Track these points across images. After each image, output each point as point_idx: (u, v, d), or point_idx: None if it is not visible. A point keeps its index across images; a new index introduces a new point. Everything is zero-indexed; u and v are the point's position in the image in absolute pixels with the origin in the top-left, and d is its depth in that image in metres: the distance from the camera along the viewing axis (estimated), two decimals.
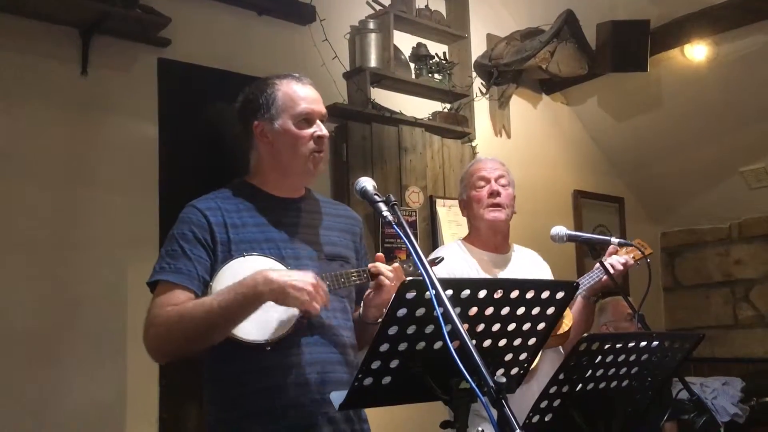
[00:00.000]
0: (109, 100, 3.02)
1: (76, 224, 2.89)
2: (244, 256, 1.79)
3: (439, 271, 2.13)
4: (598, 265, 2.45)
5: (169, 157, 3.14)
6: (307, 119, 1.88)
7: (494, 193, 2.47)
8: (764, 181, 4.87)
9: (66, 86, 2.92)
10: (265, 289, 1.66)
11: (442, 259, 2.06)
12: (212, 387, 1.83)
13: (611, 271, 2.38)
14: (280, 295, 1.67)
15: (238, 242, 1.80)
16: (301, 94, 1.89)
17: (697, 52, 4.32)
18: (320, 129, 1.89)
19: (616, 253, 2.43)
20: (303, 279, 1.68)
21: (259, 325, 1.75)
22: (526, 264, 2.59)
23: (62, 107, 2.91)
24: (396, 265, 1.85)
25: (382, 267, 1.83)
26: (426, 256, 1.96)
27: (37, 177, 2.82)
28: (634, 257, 2.46)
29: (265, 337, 1.75)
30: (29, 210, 2.79)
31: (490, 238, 2.52)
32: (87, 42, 2.94)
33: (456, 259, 2.45)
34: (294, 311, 1.77)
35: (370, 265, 1.85)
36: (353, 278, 1.84)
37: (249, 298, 1.67)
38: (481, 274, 2.45)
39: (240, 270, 1.75)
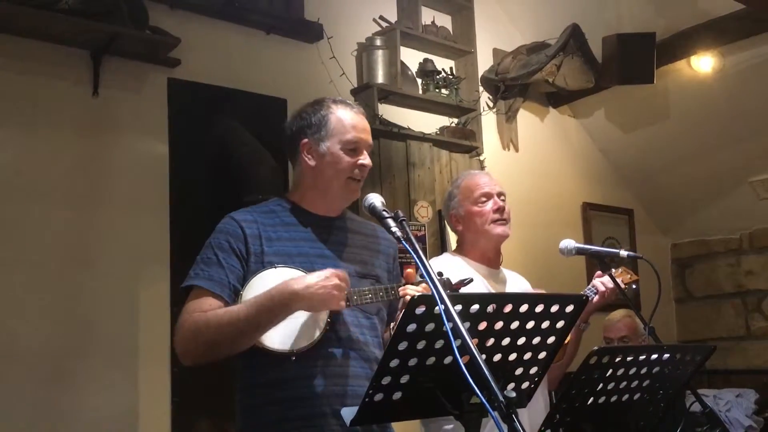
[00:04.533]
0: (120, 120, 3.06)
1: (88, 243, 2.92)
2: (275, 267, 1.84)
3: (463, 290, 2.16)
4: (590, 287, 2.51)
5: (179, 177, 3.17)
6: (355, 148, 1.93)
7: (500, 210, 2.49)
8: None
9: (78, 107, 2.96)
10: (292, 299, 1.71)
11: (471, 280, 2.06)
12: (241, 394, 1.88)
13: (601, 289, 2.44)
14: (311, 299, 1.72)
15: (271, 255, 1.85)
16: (354, 122, 1.95)
17: (703, 63, 4.33)
18: (365, 158, 1.95)
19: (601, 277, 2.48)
20: (324, 283, 1.72)
21: (286, 335, 1.79)
22: (517, 283, 2.61)
23: (74, 128, 2.95)
24: (424, 285, 1.86)
25: (410, 288, 1.84)
26: (441, 277, 1.99)
27: (48, 197, 2.86)
28: (623, 281, 2.50)
29: (290, 347, 1.79)
30: (41, 229, 2.82)
31: (487, 253, 2.53)
32: (98, 63, 2.98)
33: (459, 270, 2.45)
34: (321, 321, 1.81)
35: (401, 289, 1.86)
36: (380, 294, 1.86)
37: (278, 309, 1.73)
38: (483, 286, 2.46)
39: (270, 280, 1.80)
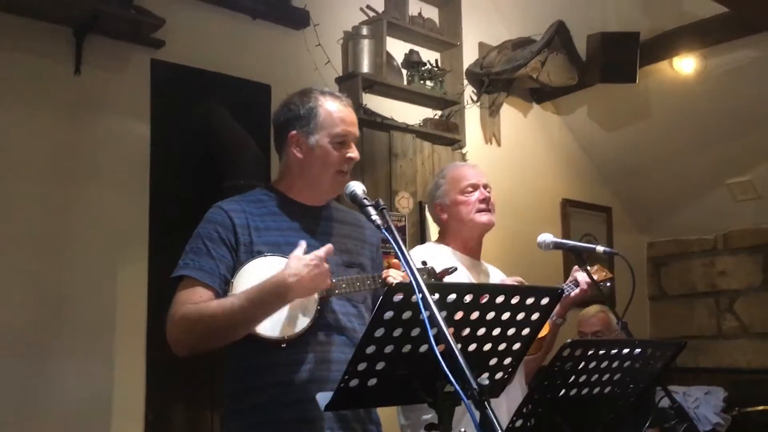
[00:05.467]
0: (102, 99, 3.03)
1: (67, 221, 2.90)
2: (264, 255, 1.86)
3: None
4: (569, 281, 2.54)
5: (160, 157, 3.15)
6: (343, 141, 1.95)
7: (486, 200, 2.52)
8: (750, 193, 4.92)
9: (59, 85, 2.93)
10: (287, 291, 1.75)
11: (456, 269, 2.09)
12: (230, 380, 1.90)
13: (583, 286, 2.48)
14: (302, 290, 1.76)
15: (260, 244, 1.87)
16: (342, 115, 1.96)
17: (685, 64, 4.38)
18: (353, 151, 1.97)
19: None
20: (309, 264, 1.75)
21: (277, 322, 1.82)
22: (496, 274, 2.65)
23: (55, 106, 2.92)
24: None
25: (393, 272, 1.88)
26: (427, 266, 2.02)
27: (28, 174, 2.83)
28: (598, 278, 2.55)
29: (281, 334, 1.82)
30: (20, 207, 2.80)
31: (470, 243, 2.56)
32: (81, 41, 2.95)
33: (444, 258, 2.48)
34: (311, 309, 1.84)
35: (383, 273, 1.90)
36: (368, 283, 1.90)
37: (272, 302, 1.77)
38: (467, 275, 2.48)
39: (260, 269, 1.83)
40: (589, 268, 2.55)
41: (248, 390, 1.85)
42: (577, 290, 2.52)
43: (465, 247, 2.55)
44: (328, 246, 1.81)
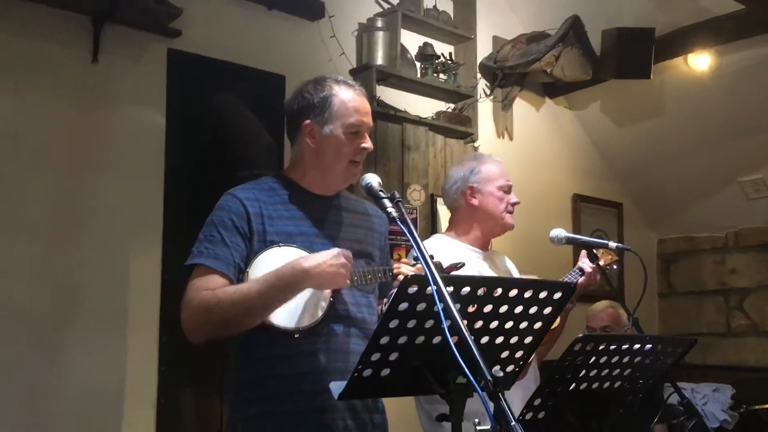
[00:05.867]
0: (119, 88, 3.05)
1: (82, 209, 2.93)
2: (279, 246, 1.86)
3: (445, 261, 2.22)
4: (575, 269, 2.59)
5: (175, 147, 3.18)
6: (357, 131, 1.95)
7: (515, 204, 2.62)
8: (762, 191, 4.90)
9: (76, 73, 2.95)
10: (302, 275, 1.75)
11: (464, 264, 2.11)
12: (240, 369, 1.90)
13: (587, 269, 2.53)
14: (320, 277, 1.76)
15: (273, 234, 1.87)
16: (357, 105, 1.96)
17: (700, 61, 4.36)
18: (366, 141, 1.97)
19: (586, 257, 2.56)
20: (333, 261, 1.77)
21: (290, 312, 1.82)
22: (505, 265, 2.70)
23: (72, 94, 2.94)
24: (419, 265, 1.89)
25: (405, 269, 1.89)
26: (434, 261, 2.03)
27: (45, 161, 2.86)
28: (605, 261, 2.62)
29: (295, 324, 1.83)
30: (36, 193, 2.82)
31: (486, 236, 2.61)
32: (98, 30, 2.97)
33: (453, 249, 2.52)
34: (324, 300, 1.85)
35: (394, 267, 1.92)
36: (379, 276, 1.92)
37: (287, 285, 1.76)
38: (478, 266, 2.51)
39: (275, 259, 1.83)
40: (594, 251, 2.58)
41: (260, 379, 1.86)
42: (583, 277, 2.56)
43: (477, 240, 2.58)
44: (349, 253, 1.82)
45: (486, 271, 2.54)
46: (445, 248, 2.48)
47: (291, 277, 1.76)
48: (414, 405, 2.50)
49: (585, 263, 2.55)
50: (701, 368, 5.05)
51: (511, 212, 2.59)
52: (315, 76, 2.05)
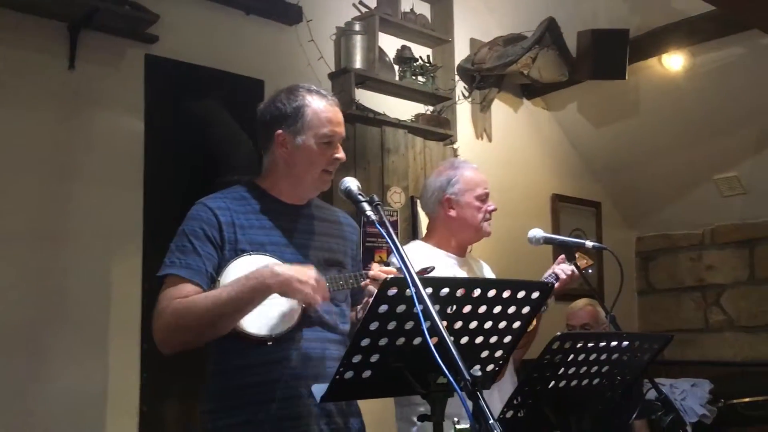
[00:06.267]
0: (97, 94, 3.05)
1: (62, 217, 2.91)
2: (250, 254, 1.87)
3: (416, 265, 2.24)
4: (548, 273, 2.61)
5: (154, 153, 3.17)
6: (330, 141, 1.96)
7: (492, 211, 2.64)
8: (736, 189, 4.98)
9: (54, 80, 2.94)
10: (271, 281, 1.75)
11: (433, 268, 2.14)
12: (213, 378, 1.90)
13: (562, 276, 2.54)
14: (286, 287, 1.75)
15: (245, 243, 1.88)
16: (329, 115, 1.96)
17: (674, 61, 4.42)
18: (339, 152, 1.98)
19: (564, 262, 2.59)
20: (306, 273, 1.77)
21: (263, 320, 1.83)
22: (481, 267, 2.74)
23: (49, 101, 2.93)
24: (391, 269, 1.91)
25: (379, 273, 1.88)
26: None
27: (22, 170, 2.84)
28: (580, 266, 2.61)
29: (268, 332, 1.84)
30: (15, 202, 2.81)
31: (463, 243, 2.65)
32: (75, 36, 2.96)
33: (430, 255, 2.54)
34: (296, 307, 1.85)
35: (369, 273, 1.91)
36: (351, 281, 1.91)
37: (256, 290, 1.76)
38: (455, 273, 2.54)
39: (245, 267, 1.83)
40: (576, 256, 2.62)
41: (237, 387, 1.85)
42: (558, 283, 2.57)
43: (456, 247, 2.62)
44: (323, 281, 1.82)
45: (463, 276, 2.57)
46: (423, 255, 2.51)
47: (259, 281, 1.75)
48: (392, 407, 2.51)
49: (560, 269, 2.57)
50: (680, 364, 5.11)
51: (488, 220, 2.62)
52: (294, 81, 2.06)
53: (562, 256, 2.61)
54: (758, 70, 4.24)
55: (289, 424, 1.83)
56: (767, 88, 4.31)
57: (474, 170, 2.67)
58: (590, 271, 2.70)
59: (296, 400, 1.84)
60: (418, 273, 2.00)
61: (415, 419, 2.25)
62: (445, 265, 2.53)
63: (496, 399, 2.18)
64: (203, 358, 1.93)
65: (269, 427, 1.82)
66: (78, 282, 2.92)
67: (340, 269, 2.01)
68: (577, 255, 2.66)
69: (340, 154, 1.98)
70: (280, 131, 1.95)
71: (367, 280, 1.89)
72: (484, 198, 2.60)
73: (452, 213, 2.59)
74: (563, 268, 2.55)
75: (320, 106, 1.96)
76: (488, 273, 2.78)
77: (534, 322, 2.58)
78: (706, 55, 4.32)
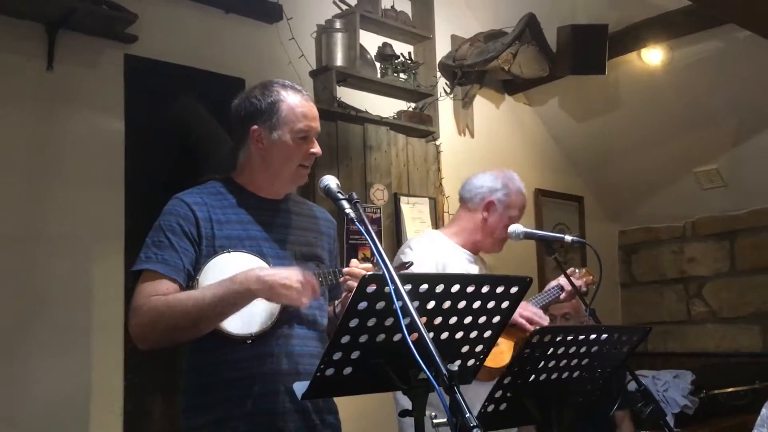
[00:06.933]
0: (76, 95, 3.03)
1: (42, 218, 2.90)
2: (229, 252, 1.86)
3: (433, 255, 2.47)
4: (554, 284, 2.72)
5: (135, 153, 3.16)
6: (306, 136, 1.96)
7: (504, 240, 2.73)
8: (716, 181, 5.04)
9: (32, 81, 2.92)
10: (256, 287, 1.74)
11: (412, 263, 2.18)
12: (190, 375, 1.90)
13: (567, 289, 2.65)
14: (271, 292, 1.75)
15: (222, 238, 1.87)
16: (304, 110, 1.96)
17: (653, 56, 4.46)
18: (315, 146, 1.98)
19: (572, 276, 2.68)
20: (291, 277, 1.76)
21: (242, 318, 1.82)
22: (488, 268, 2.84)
23: (28, 102, 2.91)
24: (369, 265, 1.92)
25: (356, 269, 1.89)
26: (387, 252, 2.06)
27: (1, 171, 2.82)
28: (586, 282, 2.77)
29: (248, 330, 1.83)
30: None
31: (477, 246, 2.73)
32: (53, 37, 2.94)
33: (447, 247, 2.65)
34: (276, 306, 1.85)
35: (345, 269, 1.91)
36: (329, 278, 1.92)
37: (241, 294, 1.75)
38: (468, 268, 2.64)
39: (225, 266, 1.83)
40: (577, 271, 2.77)
41: (213, 384, 1.85)
42: (564, 294, 2.70)
43: (472, 246, 2.73)
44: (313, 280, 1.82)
45: (475, 272, 2.66)
46: (441, 246, 2.62)
47: (246, 284, 1.75)
48: (371, 404, 2.55)
49: (564, 282, 2.66)
50: (663, 356, 5.17)
51: (505, 242, 2.72)
52: (263, 80, 2.05)
53: (572, 269, 2.74)
54: (736, 64, 4.28)
55: (264, 419, 1.83)
56: (745, 82, 4.36)
57: (521, 194, 2.77)
58: (594, 287, 2.78)
59: (273, 396, 1.84)
60: (396, 268, 2.04)
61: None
62: (460, 260, 2.64)
63: (483, 393, 2.19)
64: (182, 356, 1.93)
65: (244, 424, 1.82)
66: (59, 283, 2.91)
67: (318, 263, 2.01)
68: (584, 270, 2.77)
69: (316, 149, 1.98)
70: (255, 127, 1.95)
71: (346, 276, 1.89)
72: (515, 221, 2.67)
73: (486, 216, 2.69)
74: (567, 282, 2.61)
75: (295, 101, 1.96)
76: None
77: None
78: (685, 49, 4.36)
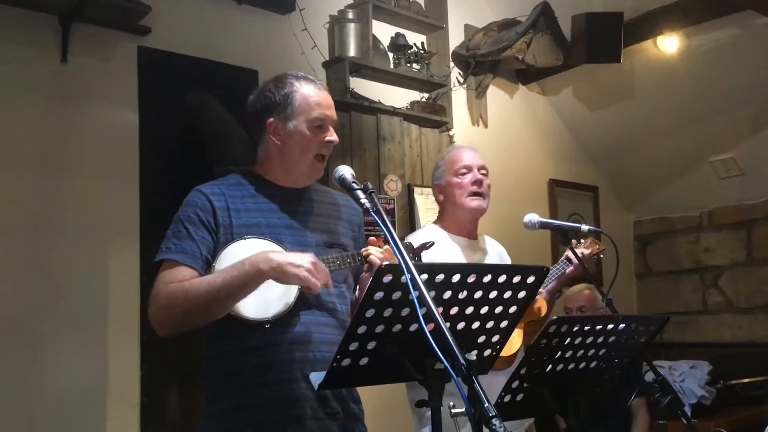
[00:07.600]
0: (89, 87, 3.04)
1: (58, 211, 2.91)
2: (245, 238, 1.88)
3: (425, 253, 2.24)
4: (562, 259, 2.64)
5: (149, 145, 3.17)
6: (321, 125, 1.96)
7: (478, 182, 2.56)
8: (733, 170, 4.99)
9: (46, 74, 2.93)
10: (265, 267, 1.75)
11: (433, 243, 2.13)
12: (211, 362, 1.92)
13: (574, 260, 2.57)
14: (280, 272, 1.76)
15: (240, 226, 1.89)
16: (318, 99, 1.97)
17: (669, 44, 4.41)
18: (331, 134, 1.98)
19: (576, 247, 2.62)
20: (301, 257, 1.77)
21: (261, 304, 1.84)
22: (495, 251, 2.72)
23: (42, 95, 2.92)
24: (387, 246, 1.92)
25: (373, 249, 1.91)
26: (404, 242, 2.06)
27: (17, 164, 2.84)
28: (592, 251, 2.67)
29: (265, 315, 1.85)
30: (10, 196, 2.80)
31: (465, 225, 2.62)
32: (67, 29, 2.95)
33: (440, 242, 2.53)
34: (293, 291, 1.86)
35: (362, 249, 1.93)
36: (348, 261, 1.92)
37: (250, 276, 1.76)
38: (462, 258, 2.54)
39: (241, 251, 1.84)
40: (582, 242, 2.64)
41: (231, 372, 1.87)
42: (571, 266, 2.60)
43: (461, 229, 2.61)
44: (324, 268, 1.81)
45: (470, 260, 2.57)
46: (435, 238, 2.52)
47: (254, 267, 1.76)
48: (391, 395, 2.53)
49: (572, 255, 2.60)
50: (679, 346, 5.14)
51: (475, 193, 2.54)
52: (288, 70, 2.06)
53: (574, 241, 2.65)
54: (753, 51, 4.23)
55: (281, 407, 1.84)
56: (762, 69, 4.30)
57: (458, 149, 2.68)
58: (602, 256, 2.73)
59: (289, 383, 1.84)
60: (417, 249, 2.04)
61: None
62: (450, 248, 2.54)
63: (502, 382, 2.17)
64: (201, 346, 1.94)
65: (263, 410, 1.83)
66: (76, 275, 2.92)
67: (341, 250, 2.00)
68: (589, 241, 2.70)
69: (333, 137, 1.98)
70: (271, 119, 1.96)
71: (368, 249, 1.90)
72: (464, 172, 2.55)
73: (441, 198, 2.62)
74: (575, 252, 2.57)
75: (309, 90, 1.97)
76: (503, 255, 2.77)
77: (545, 310, 2.60)
78: (701, 37, 4.31)
